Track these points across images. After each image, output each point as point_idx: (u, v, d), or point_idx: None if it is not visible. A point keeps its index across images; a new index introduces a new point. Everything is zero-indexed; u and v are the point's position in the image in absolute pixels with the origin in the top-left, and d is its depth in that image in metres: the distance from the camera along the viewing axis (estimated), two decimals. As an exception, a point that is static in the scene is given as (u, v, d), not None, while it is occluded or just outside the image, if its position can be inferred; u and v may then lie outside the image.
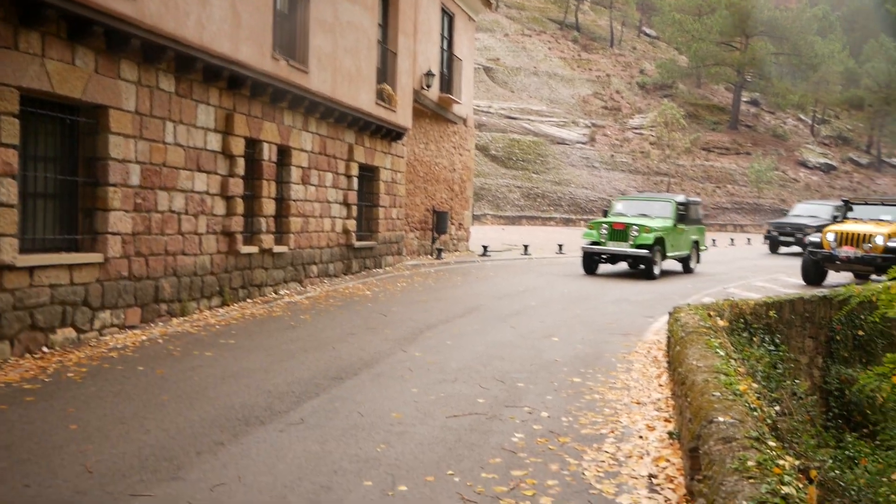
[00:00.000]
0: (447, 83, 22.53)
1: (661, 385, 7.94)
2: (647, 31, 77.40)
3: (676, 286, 17.06)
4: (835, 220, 24.99)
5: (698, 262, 21.11)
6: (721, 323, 8.98)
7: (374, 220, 17.86)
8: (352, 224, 16.44)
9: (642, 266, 18.48)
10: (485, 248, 23.99)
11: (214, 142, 11.55)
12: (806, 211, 28.69)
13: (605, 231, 18.39)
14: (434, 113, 21.68)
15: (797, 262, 23.18)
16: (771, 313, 10.65)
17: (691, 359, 6.65)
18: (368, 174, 17.66)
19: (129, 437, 5.86)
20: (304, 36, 13.67)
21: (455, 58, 23.00)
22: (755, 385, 6.20)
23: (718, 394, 5.26)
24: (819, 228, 24.50)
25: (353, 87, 15.53)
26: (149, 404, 6.74)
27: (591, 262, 19.06)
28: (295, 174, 13.95)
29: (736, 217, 52.29)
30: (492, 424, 6.52)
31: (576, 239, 33.51)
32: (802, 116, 68.29)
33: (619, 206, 20.51)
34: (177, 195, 10.74)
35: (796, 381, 8.78)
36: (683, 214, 19.52)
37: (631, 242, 17.95)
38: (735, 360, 6.91)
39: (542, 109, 56.10)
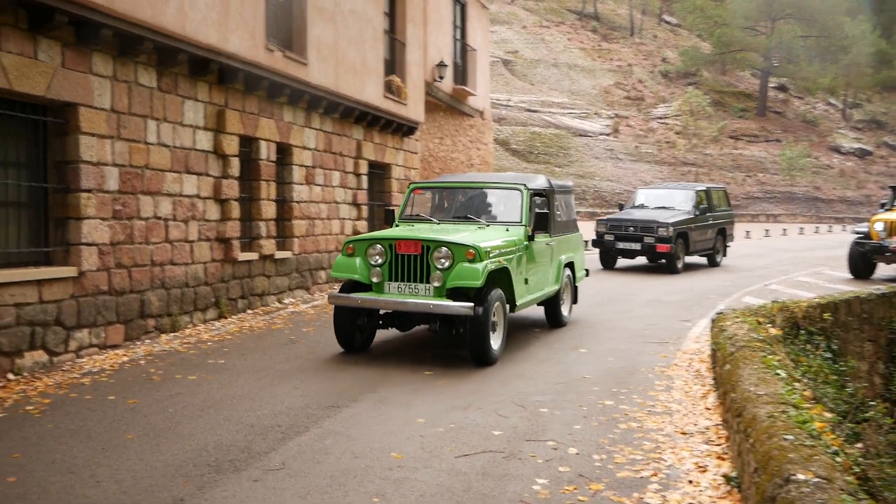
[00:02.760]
0: (461, 74, 21.46)
1: (708, 408, 6.84)
2: (668, 18, 75.73)
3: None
4: (701, 212, 18.37)
5: (575, 301, 11.59)
6: (773, 331, 7.87)
7: (381, 223, 16.83)
8: (363, 225, 15.45)
9: (461, 330, 8.55)
10: (506, 246, 22.87)
11: (205, 141, 10.58)
12: (655, 199, 19.31)
13: (378, 258, 8.62)
14: (448, 106, 20.63)
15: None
16: (826, 315, 9.50)
17: (747, 383, 5.56)
18: (379, 172, 16.65)
19: (72, 493, 4.88)
20: (302, 25, 12.66)
21: (469, 48, 21.92)
22: (828, 415, 5.10)
23: (791, 437, 4.18)
24: (679, 226, 17.44)
25: (359, 79, 14.51)
26: (109, 445, 5.77)
27: (349, 328, 8.90)
28: (297, 174, 12.95)
29: (768, 207, 50.72)
30: (509, 466, 5.47)
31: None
32: (833, 101, 66.36)
33: (420, 203, 10.54)
34: (163, 200, 9.78)
35: (871, 402, 7.65)
36: (544, 215, 9.63)
37: (436, 284, 8.35)
38: (799, 381, 5.81)
39: (563, 101, 54.83)
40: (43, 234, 8.33)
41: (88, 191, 8.50)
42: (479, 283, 8.14)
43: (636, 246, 17.57)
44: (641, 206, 19.17)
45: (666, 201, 18.92)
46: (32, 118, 8.10)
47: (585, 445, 5.91)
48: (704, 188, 19.38)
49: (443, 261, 8.33)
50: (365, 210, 15.52)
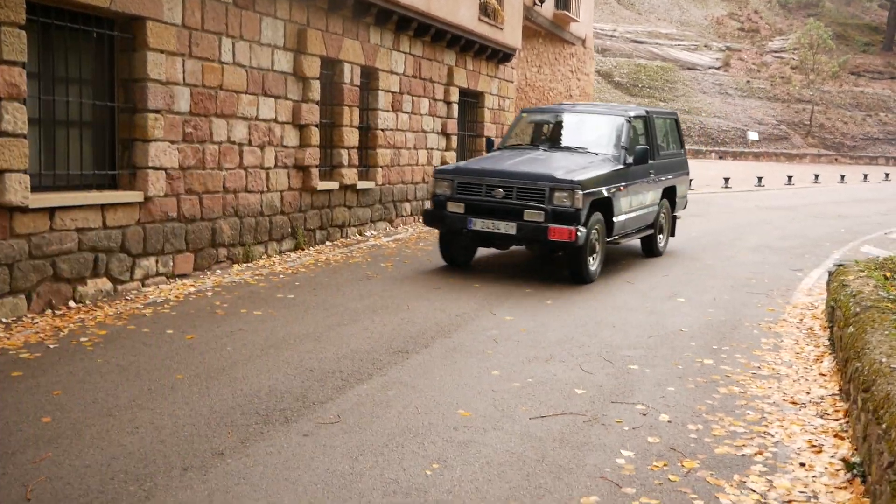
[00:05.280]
0: (563, -1, 20.24)
1: (822, 374, 5.97)
2: (792, -56, 70.75)
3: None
4: (637, 158, 9.78)
5: None
6: (904, 289, 6.85)
7: (478, 152, 16.08)
8: (451, 156, 14.75)
9: None
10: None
11: (284, 62, 10.01)
12: (553, 133, 10.87)
13: None
14: (548, 32, 19.50)
15: None
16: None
17: (877, 352, 4.68)
18: (472, 100, 15.83)
19: (105, 440, 4.48)
20: (392, -62, 11.85)
21: (573, -30, 20.61)
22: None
23: (942, 429, 3.35)
24: (595, 186, 8.96)
25: (452, 0, 13.63)
26: (156, 386, 5.37)
27: None
28: (383, 100, 12.30)
29: (889, 149, 47.36)
30: (590, 433, 4.79)
31: (705, 173, 30.77)
32: (969, 35, 61.02)
33: None
34: (237, 123, 9.30)
35: None
36: None
37: None
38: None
39: (671, 32, 52.19)
40: (108, 156, 7.96)
41: (157, 111, 8.06)
42: None
43: (508, 227, 8.84)
44: (526, 147, 10.44)
45: (572, 137, 10.42)
46: (97, 32, 7.65)
47: (679, 412, 5.18)
48: (642, 113, 10.72)
49: None
50: (454, 140, 14.80)
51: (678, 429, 4.89)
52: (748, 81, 49.71)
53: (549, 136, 10.79)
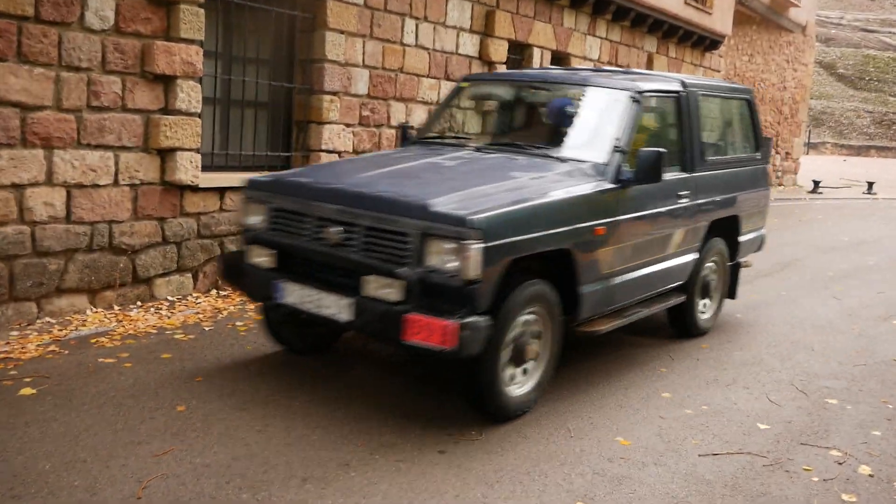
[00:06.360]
0: (783, -20, 18.57)
1: None
2: None
3: None
4: (643, 163, 4.94)
5: None
6: None
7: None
8: (645, 149, 13.85)
9: None
10: (816, 182, 20.02)
11: (469, 45, 9.63)
12: (508, 114, 6.54)
13: None
14: (763, 18, 17.95)
15: None
16: None
17: None
18: (671, 90, 14.81)
19: (232, 437, 4.24)
20: (591, -86, 11.15)
21: (797, -51, 18.86)
22: None
23: None
24: (516, 232, 4.22)
25: (655, -19, 12.74)
26: (297, 381, 5.09)
27: None
28: (573, 87, 11.66)
29: None
30: (770, 480, 4.03)
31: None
32: None
33: None
34: (417, 107, 9.04)
35: None
36: None
37: None
38: None
39: (909, 20, 47.33)
40: (283, 137, 7.91)
41: (333, 93, 7.91)
42: None
43: (338, 305, 4.37)
44: (448, 143, 6.00)
45: (533, 128, 6.22)
46: (277, 11, 7.58)
47: (885, 464, 4.28)
48: (673, 87, 5.87)
49: None
50: (649, 132, 13.89)
51: (881, 486, 4.02)
52: None
53: (495, 125, 6.62)
